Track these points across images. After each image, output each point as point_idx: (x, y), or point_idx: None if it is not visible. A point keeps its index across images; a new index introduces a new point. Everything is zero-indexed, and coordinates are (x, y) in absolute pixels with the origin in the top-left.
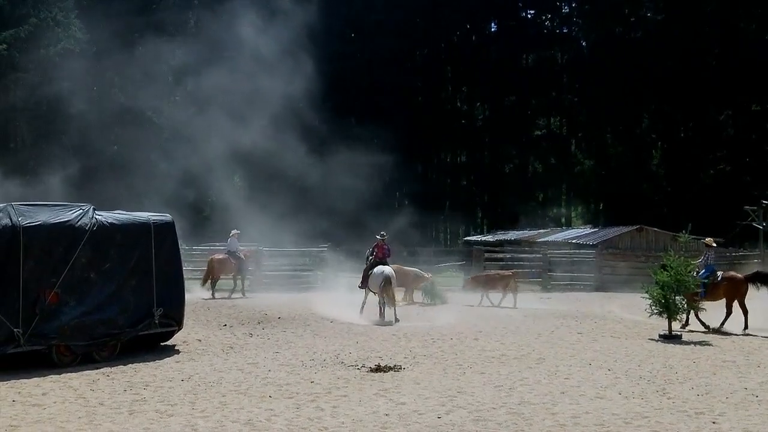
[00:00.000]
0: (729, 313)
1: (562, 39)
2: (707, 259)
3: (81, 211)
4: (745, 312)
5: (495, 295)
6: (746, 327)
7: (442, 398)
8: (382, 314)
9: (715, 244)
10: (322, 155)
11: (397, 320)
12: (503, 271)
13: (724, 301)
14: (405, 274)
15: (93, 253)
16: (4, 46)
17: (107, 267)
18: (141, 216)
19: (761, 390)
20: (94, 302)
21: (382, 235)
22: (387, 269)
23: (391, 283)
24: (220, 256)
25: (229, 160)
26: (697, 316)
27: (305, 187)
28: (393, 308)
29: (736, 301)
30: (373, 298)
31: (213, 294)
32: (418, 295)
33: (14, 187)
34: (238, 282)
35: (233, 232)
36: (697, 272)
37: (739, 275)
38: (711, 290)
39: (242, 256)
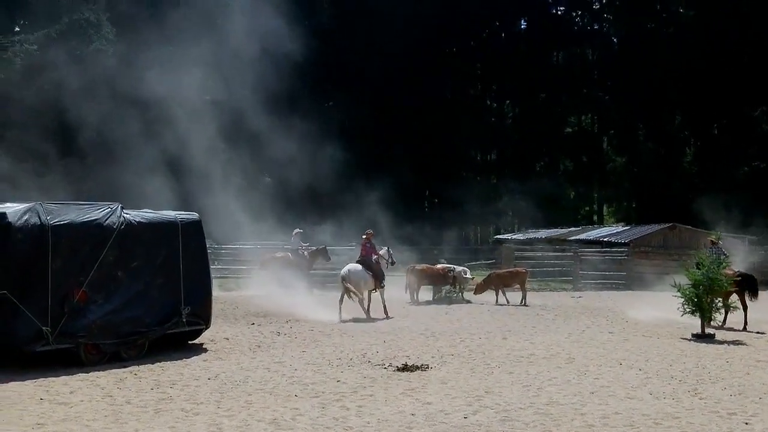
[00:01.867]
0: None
1: (592, 35)
2: (713, 254)
3: (109, 209)
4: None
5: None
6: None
7: (469, 398)
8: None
9: (721, 242)
10: (350, 154)
11: (368, 317)
12: (517, 269)
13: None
14: (436, 272)
15: (121, 251)
16: (35, 46)
17: (135, 265)
18: (168, 215)
19: None
20: (121, 300)
21: (368, 233)
22: (348, 266)
23: (346, 280)
24: (280, 254)
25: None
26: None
27: (334, 188)
28: (363, 305)
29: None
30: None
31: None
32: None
33: (52, 186)
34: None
35: (296, 230)
36: None
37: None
38: None
39: (305, 255)
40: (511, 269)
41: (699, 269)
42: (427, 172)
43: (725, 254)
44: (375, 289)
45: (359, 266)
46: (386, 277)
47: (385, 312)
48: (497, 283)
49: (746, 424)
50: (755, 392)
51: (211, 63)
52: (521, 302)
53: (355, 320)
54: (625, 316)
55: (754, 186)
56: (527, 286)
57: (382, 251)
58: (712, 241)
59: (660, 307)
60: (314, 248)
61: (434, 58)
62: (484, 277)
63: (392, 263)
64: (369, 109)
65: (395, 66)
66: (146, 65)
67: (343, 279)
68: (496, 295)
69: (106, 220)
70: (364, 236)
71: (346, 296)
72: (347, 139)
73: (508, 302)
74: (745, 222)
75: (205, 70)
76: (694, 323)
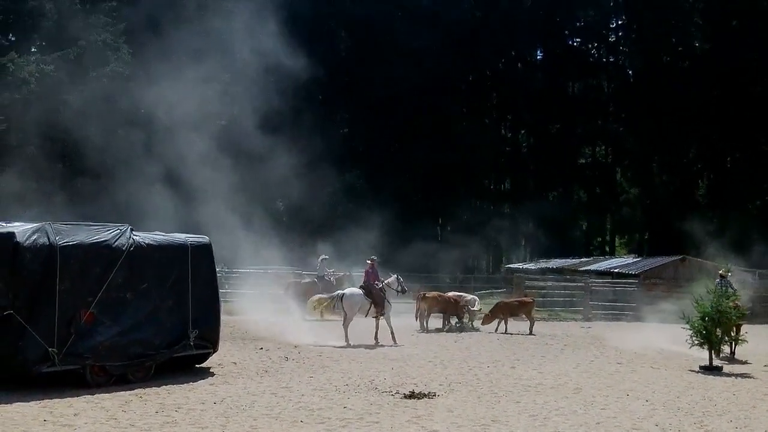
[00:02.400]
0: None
1: (608, 67)
2: (721, 287)
3: (118, 231)
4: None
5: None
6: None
7: (476, 426)
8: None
9: (730, 274)
10: (363, 181)
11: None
12: (524, 298)
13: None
14: (446, 300)
15: (130, 273)
16: (51, 66)
17: (144, 288)
18: (178, 237)
19: None
20: (129, 322)
21: (372, 259)
22: (347, 289)
23: (341, 301)
24: (308, 280)
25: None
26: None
27: (345, 212)
28: (346, 330)
29: None
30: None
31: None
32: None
33: (68, 209)
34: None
35: (322, 257)
36: None
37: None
38: None
39: (332, 281)
40: (518, 298)
41: (706, 298)
42: (440, 200)
43: (733, 288)
44: (377, 315)
45: (358, 291)
46: (394, 305)
47: (393, 339)
48: (504, 311)
49: None
50: (761, 425)
51: (223, 85)
52: (529, 332)
53: (365, 346)
54: (633, 346)
55: (767, 219)
56: (534, 315)
57: (391, 279)
58: (720, 274)
59: (669, 338)
60: (341, 274)
61: (450, 87)
62: (491, 307)
63: (403, 291)
64: (384, 137)
65: (411, 95)
66: (158, 86)
67: (339, 300)
68: (505, 323)
69: (116, 241)
70: (368, 261)
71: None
72: (360, 166)
73: (506, 331)
74: (757, 255)
75: (216, 93)
76: (703, 355)
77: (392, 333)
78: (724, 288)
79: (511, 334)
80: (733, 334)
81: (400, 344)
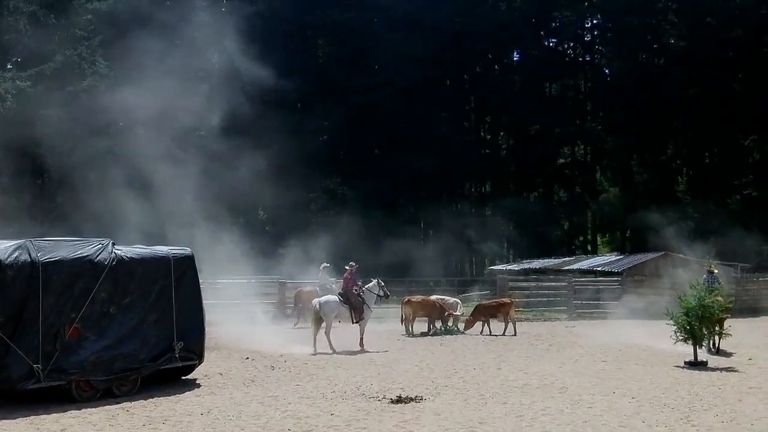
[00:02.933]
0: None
1: (585, 67)
2: (708, 282)
3: (100, 245)
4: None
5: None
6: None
7: (463, 429)
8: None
9: (716, 270)
10: (345, 187)
11: (332, 350)
12: (503, 299)
13: (750, 324)
14: (431, 304)
15: (113, 287)
16: (28, 83)
17: (127, 301)
18: (160, 250)
19: None
20: (114, 337)
21: (350, 265)
22: (323, 297)
23: (318, 310)
24: (309, 289)
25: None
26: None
27: (327, 218)
28: (328, 337)
29: None
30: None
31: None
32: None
33: (48, 223)
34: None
35: (323, 265)
36: None
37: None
38: None
39: (334, 289)
40: (497, 300)
41: (690, 294)
42: (422, 204)
43: (720, 283)
44: (356, 321)
45: (334, 298)
46: (378, 310)
47: (360, 343)
48: (485, 313)
49: None
50: (747, 419)
51: (201, 96)
52: (512, 332)
53: (349, 353)
54: (618, 344)
55: (746, 214)
56: (516, 315)
57: (372, 284)
58: (708, 270)
59: (654, 335)
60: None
61: (429, 91)
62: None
63: (386, 296)
64: (364, 142)
65: (391, 100)
66: (135, 99)
67: (316, 309)
68: (487, 325)
69: (98, 256)
70: (347, 268)
71: (313, 327)
72: (341, 172)
73: (490, 333)
74: (737, 250)
75: (194, 103)
76: (688, 351)
77: (361, 338)
78: (712, 283)
79: (496, 335)
80: (717, 329)
81: (384, 350)
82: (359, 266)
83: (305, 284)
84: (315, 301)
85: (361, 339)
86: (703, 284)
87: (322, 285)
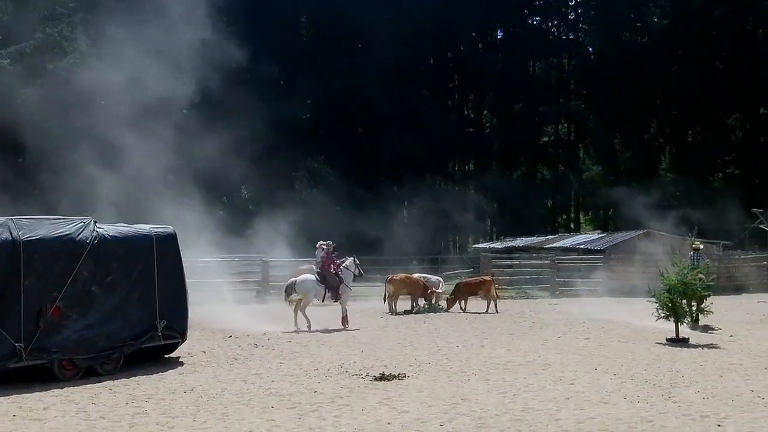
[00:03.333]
0: None
1: (568, 45)
2: (695, 260)
3: (82, 224)
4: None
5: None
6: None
7: (446, 406)
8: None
9: (702, 247)
10: (327, 166)
11: (310, 328)
12: (483, 277)
13: (731, 301)
14: (414, 282)
15: (95, 266)
16: (8, 60)
17: (109, 280)
18: (143, 228)
19: (767, 392)
20: (96, 315)
21: (327, 244)
22: (300, 276)
23: (294, 289)
24: (305, 267)
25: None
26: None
27: (309, 197)
28: (305, 315)
29: None
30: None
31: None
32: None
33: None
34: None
35: (320, 243)
36: None
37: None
38: None
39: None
40: (477, 278)
41: (674, 271)
42: (403, 183)
43: (705, 259)
44: (334, 300)
45: (311, 277)
46: (362, 288)
47: (344, 322)
48: (465, 291)
49: (718, 426)
50: (728, 395)
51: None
52: (493, 310)
53: (333, 331)
54: (601, 322)
55: (728, 193)
56: (498, 293)
57: (348, 261)
58: (694, 247)
59: (636, 312)
60: (346, 261)
61: (413, 71)
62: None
63: (360, 274)
64: (348, 122)
65: (374, 80)
66: (116, 77)
67: (292, 288)
68: (465, 303)
69: (79, 234)
70: (324, 246)
71: (287, 304)
72: (325, 152)
73: (464, 310)
74: (719, 228)
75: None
76: (669, 328)
77: (345, 317)
78: (698, 260)
79: (478, 313)
80: (696, 306)
81: (355, 328)
82: (336, 245)
83: (304, 264)
84: (291, 279)
85: (345, 317)
86: (691, 262)
87: (317, 263)
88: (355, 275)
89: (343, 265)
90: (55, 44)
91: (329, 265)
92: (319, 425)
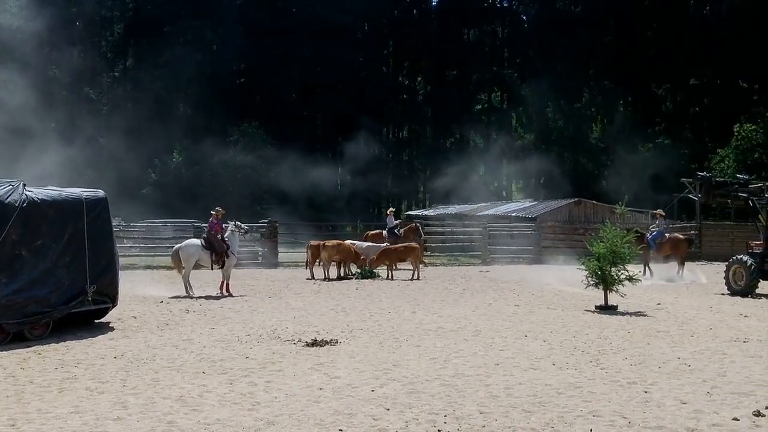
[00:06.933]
0: (680, 264)
1: (503, 13)
2: (659, 225)
3: (10, 187)
4: (682, 264)
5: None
6: (680, 273)
7: (377, 371)
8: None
9: (664, 214)
10: (263, 129)
11: (191, 294)
12: (410, 243)
13: (659, 270)
14: (347, 249)
15: (24, 230)
16: None
17: (39, 244)
18: (73, 192)
19: (693, 359)
20: (25, 280)
21: (217, 210)
22: (184, 242)
23: (177, 254)
24: (374, 231)
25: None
26: (647, 265)
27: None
28: (187, 281)
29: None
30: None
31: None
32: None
33: None
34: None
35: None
36: (650, 234)
37: (681, 236)
38: (659, 247)
39: (400, 233)
40: (404, 244)
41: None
42: (337, 148)
43: (669, 226)
44: (219, 266)
45: (195, 242)
46: (288, 255)
47: (225, 289)
48: (391, 257)
49: (645, 392)
50: (654, 362)
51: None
52: (416, 276)
53: (264, 298)
54: (531, 289)
55: (658, 162)
56: (424, 260)
57: (230, 225)
58: (660, 214)
59: (565, 280)
60: (411, 225)
61: (345, 35)
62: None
63: (245, 232)
64: (281, 88)
65: (307, 45)
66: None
67: (175, 253)
68: (390, 270)
69: (8, 197)
70: (213, 213)
71: (176, 271)
72: (259, 117)
73: (392, 278)
74: (649, 197)
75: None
76: (598, 295)
77: (226, 283)
78: (665, 226)
79: (403, 280)
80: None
81: (235, 295)
82: (225, 212)
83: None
84: (176, 246)
85: (227, 284)
86: (660, 228)
87: (390, 229)
88: (242, 233)
89: (229, 229)
90: None
91: (218, 230)
92: (250, 391)
